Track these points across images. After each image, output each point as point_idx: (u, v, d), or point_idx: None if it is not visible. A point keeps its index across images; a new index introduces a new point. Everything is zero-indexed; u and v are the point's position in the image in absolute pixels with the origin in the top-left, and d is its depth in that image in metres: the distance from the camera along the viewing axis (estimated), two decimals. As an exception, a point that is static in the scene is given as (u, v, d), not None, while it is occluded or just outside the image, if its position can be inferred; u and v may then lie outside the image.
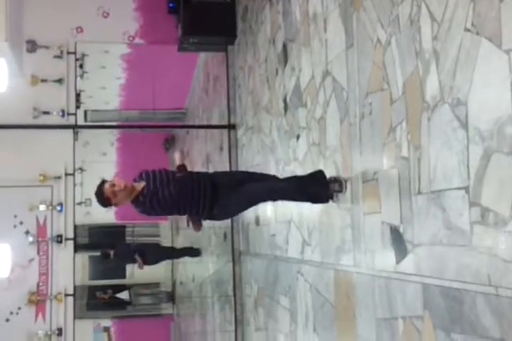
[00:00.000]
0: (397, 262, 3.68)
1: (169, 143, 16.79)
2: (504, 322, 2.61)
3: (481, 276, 2.76)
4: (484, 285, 2.73)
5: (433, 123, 3.21)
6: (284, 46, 6.42)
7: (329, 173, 4.88)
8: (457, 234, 2.96)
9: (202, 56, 12.29)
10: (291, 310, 6.24)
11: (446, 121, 3.06)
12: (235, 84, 9.37)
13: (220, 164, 10.25)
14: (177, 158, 5.27)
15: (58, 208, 12.41)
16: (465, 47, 2.89)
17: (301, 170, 5.74)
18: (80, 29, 11.26)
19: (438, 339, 3.19)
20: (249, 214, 8.14)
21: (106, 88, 14.26)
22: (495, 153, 2.65)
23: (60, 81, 11.62)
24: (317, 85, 5.30)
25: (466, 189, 2.87)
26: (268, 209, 7.15)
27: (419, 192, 3.38)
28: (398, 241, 3.67)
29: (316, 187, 4.86)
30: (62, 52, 11.49)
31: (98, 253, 13.05)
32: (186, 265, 14.91)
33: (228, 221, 9.19)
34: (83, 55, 12.31)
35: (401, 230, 3.64)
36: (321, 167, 5.16)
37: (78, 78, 12.06)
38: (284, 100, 6.40)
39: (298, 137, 5.89)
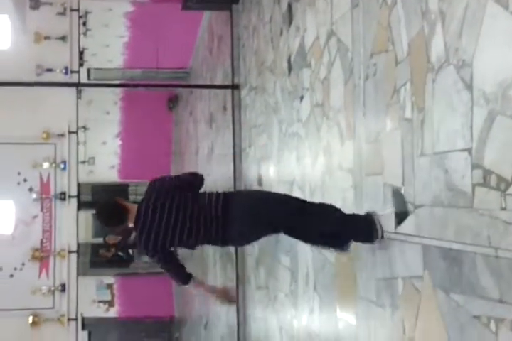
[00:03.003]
0: (398, 223, 3.71)
1: (173, 102, 16.75)
2: (503, 283, 2.65)
3: (481, 238, 2.78)
4: (484, 247, 2.76)
5: (437, 85, 3.20)
6: (289, 6, 6.36)
7: (333, 136, 4.87)
8: (459, 195, 2.98)
9: (206, 15, 12.17)
10: (291, 269, 6.30)
11: (450, 83, 3.05)
12: (239, 43, 9.30)
13: (224, 124, 10.24)
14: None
15: (62, 166, 12.48)
16: (471, 8, 2.86)
17: (304, 131, 5.74)
18: (83, -14, 11.16)
19: (437, 299, 3.23)
20: (252, 174, 8.16)
21: (109, 46, 14.15)
22: (499, 115, 2.65)
23: (63, 38, 11.59)
24: (321, 46, 5.27)
25: (469, 151, 2.88)
26: (271, 170, 7.18)
27: (422, 154, 3.38)
28: (399, 202, 3.69)
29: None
30: (65, 9, 11.44)
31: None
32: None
33: (230, 181, 9.22)
34: (86, 13, 12.21)
35: (403, 191, 3.66)
36: (323, 128, 5.15)
37: (81, 36, 12.01)
38: (288, 60, 6.36)
39: (301, 98, 5.88)
